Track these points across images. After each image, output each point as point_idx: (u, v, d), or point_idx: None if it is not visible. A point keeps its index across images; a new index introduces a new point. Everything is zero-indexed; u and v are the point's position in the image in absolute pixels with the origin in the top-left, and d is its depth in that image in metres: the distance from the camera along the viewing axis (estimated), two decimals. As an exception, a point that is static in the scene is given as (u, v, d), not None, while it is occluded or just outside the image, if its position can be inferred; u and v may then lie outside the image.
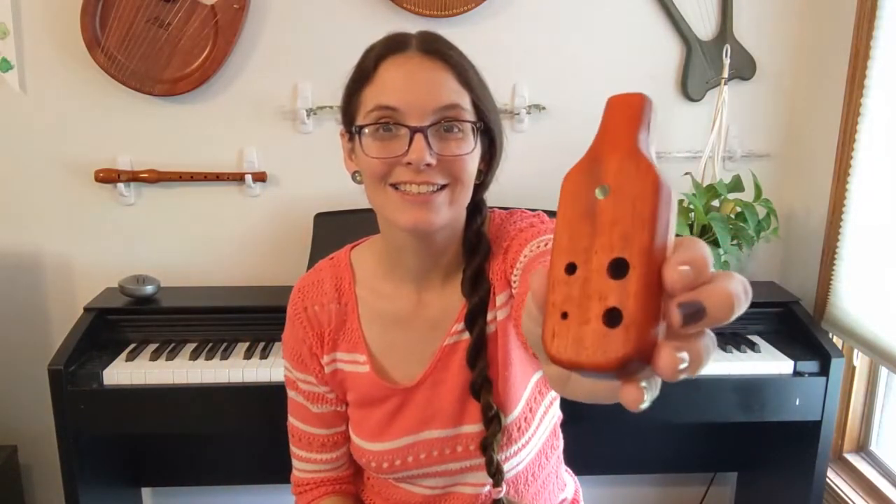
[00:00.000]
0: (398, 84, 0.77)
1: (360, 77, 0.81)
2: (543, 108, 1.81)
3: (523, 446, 0.90)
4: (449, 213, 0.81)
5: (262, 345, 1.63)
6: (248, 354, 1.59)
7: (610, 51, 1.82)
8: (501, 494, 0.91)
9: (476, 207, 0.89)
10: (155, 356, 1.57)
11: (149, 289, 1.70)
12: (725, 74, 1.75)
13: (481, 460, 0.89)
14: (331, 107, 1.78)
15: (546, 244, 0.77)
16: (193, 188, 1.83)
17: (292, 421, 1.00)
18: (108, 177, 1.77)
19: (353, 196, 1.83)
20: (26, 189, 1.80)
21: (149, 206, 1.84)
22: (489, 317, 0.87)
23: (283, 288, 1.83)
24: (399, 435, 0.90)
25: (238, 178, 1.80)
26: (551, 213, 1.01)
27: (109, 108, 1.76)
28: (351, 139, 0.83)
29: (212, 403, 1.55)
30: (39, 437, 1.90)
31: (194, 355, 1.58)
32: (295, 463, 1.01)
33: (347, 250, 0.97)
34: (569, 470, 1.11)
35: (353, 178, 0.86)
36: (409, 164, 0.77)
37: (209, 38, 1.70)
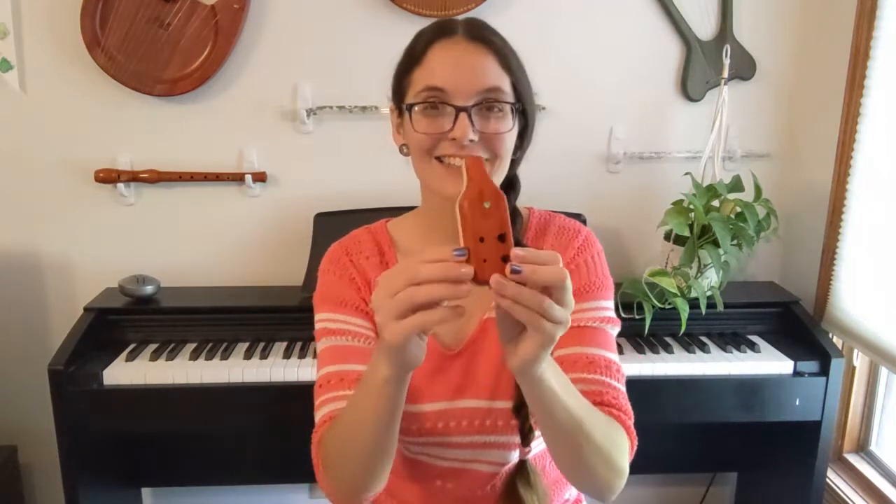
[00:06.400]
0: (446, 67, 0.85)
1: (410, 60, 0.89)
2: (543, 109, 1.81)
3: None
4: None
5: (262, 345, 1.63)
6: (248, 354, 1.59)
7: (610, 51, 1.82)
8: (528, 456, 0.94)
9: (510, 183, 0.94)
10: (155, 356, 1.57)
11: (149, 289, 1.70)
12: (725, 74, 1.75)
13: (506, 438, 0.92)
14: (331, 107, 1.78)
15: (595, 322, 0.92)
16: (193, 188, 1.83)
17: (327, 369, 0.91)
18: (108, 177, 1.77)
19: (353, 196, 1.84)
20: (26, 189, 1.80)
21: (149, 206, 1.84)
22: None
23: (284, 288, 1.86)
24: (436, 398, 0.92)
25: (238, 178, 1.80)
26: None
27: (109, 109, 1.76)
28: (400, 115, 0.91)
29: (212, 403, 1.55)
30: (39, 437, 1.89)
31: (194, 355, 1.58)
32: (322, 411, 0.90)
33: (383, 223, 1.02)
34: None
35: (401, 151, 0.93)
36: (453, 139, 0.84)
37: (209, 38, 1.70)
